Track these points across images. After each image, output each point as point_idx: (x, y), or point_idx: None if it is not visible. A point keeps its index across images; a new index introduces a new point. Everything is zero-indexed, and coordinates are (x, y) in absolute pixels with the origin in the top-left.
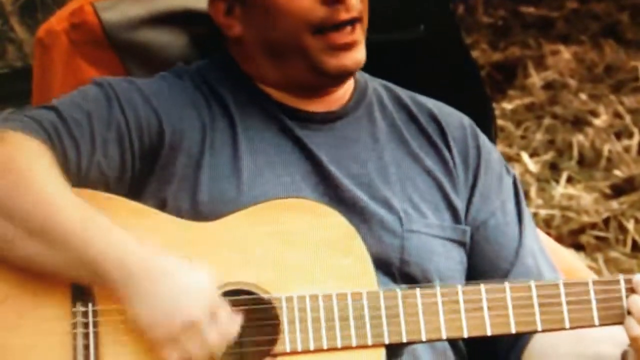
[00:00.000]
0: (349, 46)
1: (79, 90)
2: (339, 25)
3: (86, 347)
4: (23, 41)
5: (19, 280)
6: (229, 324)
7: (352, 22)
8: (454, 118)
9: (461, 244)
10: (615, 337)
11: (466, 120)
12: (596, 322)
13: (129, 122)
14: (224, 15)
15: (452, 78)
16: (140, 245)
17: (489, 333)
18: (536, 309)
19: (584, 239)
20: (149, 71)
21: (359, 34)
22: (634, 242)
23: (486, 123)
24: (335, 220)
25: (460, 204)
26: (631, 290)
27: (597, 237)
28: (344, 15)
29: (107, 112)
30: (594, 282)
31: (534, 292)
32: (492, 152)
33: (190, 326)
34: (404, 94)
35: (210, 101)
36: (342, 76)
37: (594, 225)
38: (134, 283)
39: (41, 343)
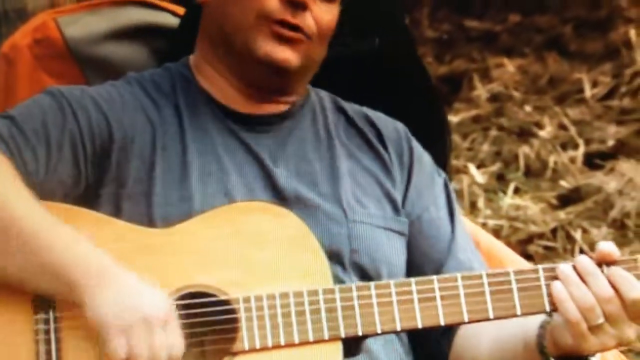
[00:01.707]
0: (284, 40)
1: (32, 100)
2: (284, 23)
3: (48, 352)
4: None
5: None
6: (177, 339)
7: (297, 29)
8: (388, 122)
9: (402, 234)
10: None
11: (400, 125)
12: (518, 311)
13: (82, 128)
14: None
15: (406, 89)
16: (101, 252)
17: (442, 323)
18: (487, 297)
19: (532, 248)
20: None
21: (301, 45)
22: (582, 251)
23: (441, 133)
24: (290, 220)
25: (398, 197)
26: (553, 279)
27: (545, 247)
28: (290, 18)
29: (61, 119)
30: (515, 272)
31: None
32: (424, 154)
33: (143, 320)
34: (345, 103)
35: (160, 106)
36: (268, 66)
37: (541, 235)
38: (96, 284)
39: (5, 351)
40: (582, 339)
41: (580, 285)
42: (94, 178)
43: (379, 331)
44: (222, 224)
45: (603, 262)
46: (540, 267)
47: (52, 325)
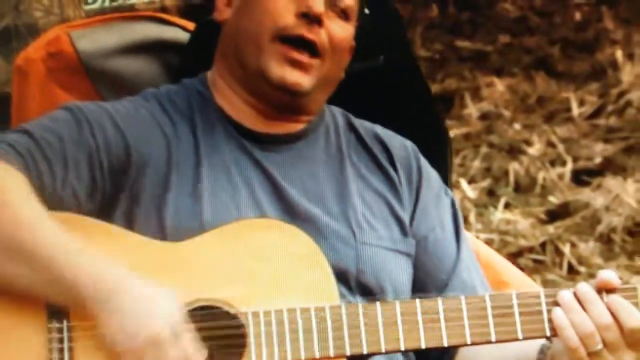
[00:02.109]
0: (296, 64)
1: (49, 115)
2: (299, 43)
3: (61, 359)
4: None
5: None
6: (191, 349)
7: (312, 48)
8: (397, 141)
9: (409, 255)
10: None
11: (409, 143)
12: (520, 335)
13: (98, 144)
14: (225, 4)
15: (409, 105)
16: (112, 265)
17: (445, 344)
18: (490, 320)
19: (522, 261)
20: (121, 97)
21: (314, 68)
22: (570, 265)
23: (442, 148)
24: (299, 238)
25: (406, 218)
26: (554, 304)
27: (535, 260)
28: (305, 32)
29: (78, 134)
30: (518, 296)
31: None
32: (432, 173)
33: (153, 342)
34: (357, 120)
35: (176, 122)
36: (280, 89)
37: (531, 249)
38: (105, 299)
39: (19, 357)
40: None
41: (580, 312)
42: (110, 193)
43: (383, 350)
44: (231, 240)
45: (603, 290)
46: (542, 291)
47: (65, 335)
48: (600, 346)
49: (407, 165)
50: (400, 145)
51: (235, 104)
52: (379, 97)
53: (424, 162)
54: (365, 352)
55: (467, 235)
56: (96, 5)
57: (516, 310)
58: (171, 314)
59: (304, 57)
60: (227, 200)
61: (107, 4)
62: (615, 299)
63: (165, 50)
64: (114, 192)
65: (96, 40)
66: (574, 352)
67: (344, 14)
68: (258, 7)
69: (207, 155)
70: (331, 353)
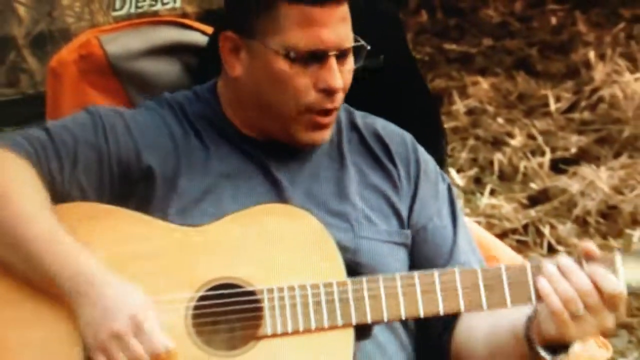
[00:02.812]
0: (324, 127)
1: (72, 116)
2: (323, 112)
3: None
4: (34, 70)
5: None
6: (155, 338)
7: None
8: (397, 136)
9: (405, 246)
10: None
11: (407, 136)
12: (508, 303)
13: (110, 148)
14: (229, 51)
15: (408, 100)
16: (91, 262)
17: (441, 312)
18: (481, 290)
19: (507, 242)
20: (146, 96)
21: (334, 117)
22: (550, 244)
23: (438, 143)
24: (307, 221)
25: (404, 211)
26: (538, 274)
27: (518, 241)
28: (329, 105)
29: (92, 137)
30: (507, 268)
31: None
32: (429, 163)
33: (116, 336)
34: (359, 117)
35: (187, 131)
36: (308, 147)
37: (514, 231)
38: (79, 296)
39: (54, 335)
40: (565, 328)
41: (562, 280)
42: (119, 196)
43: (385, 319)
44: (247, 224)
45: (585, 258)
46: (528, 264)
47: None
48: (582, 310)
49: (406, 160)
50: (400, 140)
51: (242, 118)
52: (380, 94)
53: (421, 153)
54: (369, 321)
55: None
56: (123, 12)
57: (505, 280)
58: (134, 307)
59: (327, 119)
60: (232, 207)
61: (132, 10)
62: (594, 267)
63: (186, 52)
64: (122, 196)
65: (123, 43)
66: (558, 316)
67: (348, 53)
68: (279, 86)
69: (215, 163)
70: (339, 323)
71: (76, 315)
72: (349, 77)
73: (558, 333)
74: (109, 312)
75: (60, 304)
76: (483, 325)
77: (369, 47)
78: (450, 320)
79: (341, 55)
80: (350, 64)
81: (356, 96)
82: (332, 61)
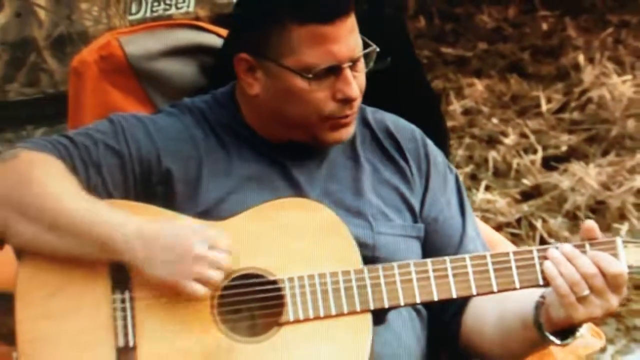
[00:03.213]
0: (347, 125)
1: (93, 123)
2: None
3: (125, 327)
4: (54, 71)
5: (65, 275)
6: (223, 244)
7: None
8: (407, 131)
9: (419, 239)
10: (530, 294)
11: (417, 132)
12: (517, 285)
13: (132, 153)
14: (245, 72)
15: (413, 100)
16: (135, 219)
17: (454, 296)
18: (491, 274)
19: (501, 235)
20: (164, 94)
21: (355, 115)
22: (542, 237)
23: (441, 139)
24: (324, 213)
25: (417, 205)
26: (544, 258)
27: (512, 234)
28: (348, 112)
29: (114, 142)
30: (514, 253)
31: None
32: (438, 156)
33: (197, 258)
34: (370, 113)
35: (208, 136)
36: (334, 144)
37: (508, 224)
38: (137, 251)
39: (89, 324)
40: (572, 309)
41: (567, 264)
42: (144, 197)
43: (402, 304)
44: (266, 218)
45: (587, 238)
46: (534, 248)
47: (127, 304)
48: (587, 292)
49: (417, 155)
50: (410, 136)
51: (261, 122)
52: (388, 94)
53: (430, 147)
54: (386, 305)
55: None
56: (139, 16)
57: (513, 264)
58: (191, 231)
59: (349, 119)
60: (253, 204)
61: (148, 14)
62: (595, 252)
63: (201, 53)
64: (147, 196)
65: (142, 44)
66: (564, 298)
67: (360, 59)
68: (299, 102)
69: (237, 166)
70: (357, 308)
71: (141, 270)
72: (363, 80)
73: (566, 315)
74: (176, 248)
75: (95, 290)
76: (492, 312)
77: (378, 49)
78: (459, 307)
79: (354, 63)
80: (362, 67)
81: (366, 96)
82: (347, 72)
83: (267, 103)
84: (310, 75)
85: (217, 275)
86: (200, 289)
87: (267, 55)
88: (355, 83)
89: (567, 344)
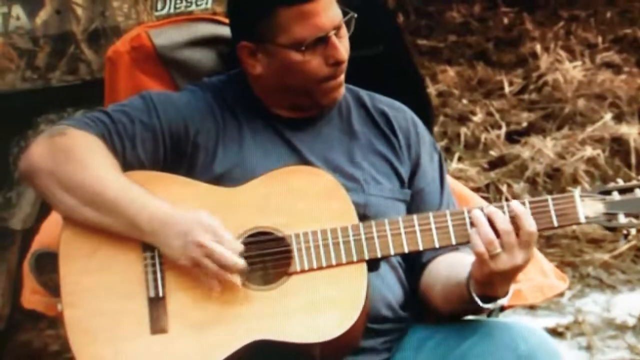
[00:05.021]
0: (339, 86)
1: (128, 100)
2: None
3: (155, 279)
4: (91, 61)
5: (101, 237)
6: (229, 238)
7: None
8: (400, 112)
9: (405, 202)
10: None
11: (408, 113)
12: (453, 241)
13: (163, 125)
14: (247, 56)
15: (403, 83)
16: (162, 204)
17: (437, 245)
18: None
19: None
20: (188, 79)
21: (343, 77)
22: (507, 200)
23: (427, 120)
24: (325, 177)
25: (404, 173)
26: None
27: (482, 197)
28: (339, 73)
29: (147, 117)
30: (451, 214)
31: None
32: (426, 136)
33: (199, 246)
34: (365, 94)
35: (224, 110)
36: (331, 105)
37: (478, 189)
38: (158, 232)
39: (123, 278)
40: (484, 265)
41: (486, 224)
42: (171, 164)
43: (392, 253)
44: (274, 183)
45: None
46: (465, 210)
47: (157, 260)
48: (499, 249)
49: (407, 132)
50: (402, 116)
51: (270, 96)
52: (380, 78)
53: (420, 127)
54: (379, 255)
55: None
56: (164, 12)
57: (450, 224)
58: (203, 222)
59: (339, 80)
60: (264, 169)
61: (172, 11)
62: (518, 211)
63: (220, 43)
64: (174, 164)
65: (168, 36)
66: (478, 256)
67: (342, 24)
68: (297, 73)
69: (248, 136)
70: (354, 258)
71: (160, 249)
72: (347, 43)
73: (479, 270)
74: (187, 233)
75: (128, 250)
76: (443, 272)
77: (355, 15)
78: (422, 265)
79: (337, 30)
80: (344, 32)
81: (361, 79)
82: (334, 39)
83: (271, 79)
84: (303, 48)
85: (211, 265)
86: (212, 267)
87: (263, 39)
88: (343, 48)
89: (487, 308)
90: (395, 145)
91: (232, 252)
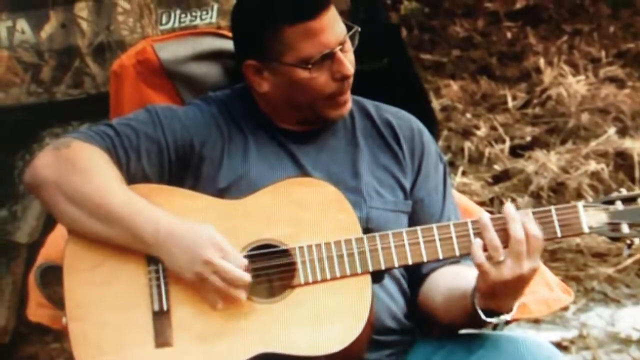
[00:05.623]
0: (346, 102)
1: (133, 113)
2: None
3: (159, 294)
4: (95, 74)
5: (107, 250)
6: (237, 255)
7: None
8: (405, 121)
9: (406, 213)
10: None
11: (414, 122)
12: (457, 253)
13: (168, 138)
14: (253, 75)
15: (407, 95)
16: (168, 217)
17: (441, 257)
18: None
19: None
20: (194, 93)
21: (349, 92)
22: None
23: (432, 134)
24: (327, 189)
25: (407, 185)
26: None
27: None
28: (346, 88)
29: (152, 131)
30: (455, 225)
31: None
32: (432, 146)
33: (206, 263)
34: (371, 105)
35: (229, 123)
36: (337, 120)
37: (482, 203)
38: (163, 246)
39: (128, 291)
40: (487, 275)
41: (491, 230)
42: (176, 178)
43: (396, 265)
44: (278, 194)
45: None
46: (469, 221)
47: (161, 274)
48: (502, 257)
49: (411, 142)
50: (407, 125)
51: (278, 114)
52: (384, 91)
53: (426, 137)
54: (383, 267)
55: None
56: (168, 26)
57: (454, 235)
58: (210, 238)
59: (346, 96)
60: (266, 182)
61: (176, 25)
62: (526, 219)
63: (223, 57)
64: (179, 177)
65: (173, 50)
66: (480, 267)
67: (346, 39)
68: (304, 90)
69: (253, 148)
70: (358, 270)
71: (164, 262)
72: (352, 57)
73: (482, 281)
74: (193, 248)
75: (133, 263)
76: (445, 283)
77: (359, 29)
78: (420, 277)
79: (342, 45)
80: (349, 46)
81: (365, 93)
82: (339, 55)
83: (278, 96)
84: (310, 66)
85: (217, 281)
86: (219, 284)
87: (269, 57)
88: (349, 63)
89: (490, 322)
90: (400, 156)
91: (237, 267)
